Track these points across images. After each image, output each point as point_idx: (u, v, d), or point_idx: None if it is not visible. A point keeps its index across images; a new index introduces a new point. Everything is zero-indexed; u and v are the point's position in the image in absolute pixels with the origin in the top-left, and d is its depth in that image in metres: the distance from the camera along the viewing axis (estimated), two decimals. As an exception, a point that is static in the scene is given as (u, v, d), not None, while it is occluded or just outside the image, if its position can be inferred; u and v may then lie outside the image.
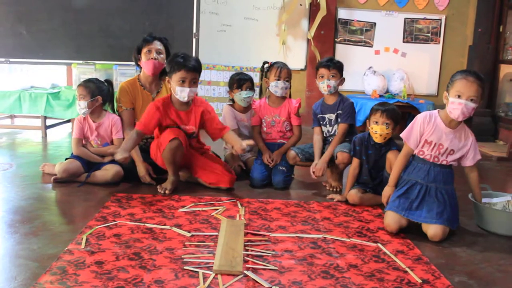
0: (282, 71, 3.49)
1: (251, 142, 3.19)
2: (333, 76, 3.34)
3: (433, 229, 2.51)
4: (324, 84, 3.35)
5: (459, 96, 2.47)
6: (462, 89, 2.46)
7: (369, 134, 3.06)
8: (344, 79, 3.43)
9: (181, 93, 3.13)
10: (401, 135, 2.74)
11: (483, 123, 5.73)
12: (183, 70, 3.09)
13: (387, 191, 2.73)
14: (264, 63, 3.64)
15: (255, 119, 3.63)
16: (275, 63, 3.57)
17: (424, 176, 2.62)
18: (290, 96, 3.69)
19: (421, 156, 2.65)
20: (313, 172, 3.31)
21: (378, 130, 2.98)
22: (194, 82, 3.15)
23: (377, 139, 3.00)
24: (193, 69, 3.12)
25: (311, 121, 3.62)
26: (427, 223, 2.54)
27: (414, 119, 2.69)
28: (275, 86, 3.50)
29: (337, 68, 3.37)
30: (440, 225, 2.50)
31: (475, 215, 2.83)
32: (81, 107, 3.37)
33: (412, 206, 2.59)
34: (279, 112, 3.56)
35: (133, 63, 3.62)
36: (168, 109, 3.22)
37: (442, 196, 2.59)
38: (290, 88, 3.65)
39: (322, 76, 3.37)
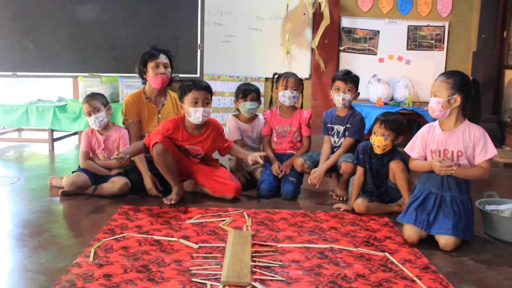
0: (289, 80, 3.50)
1: (263, 154, 3.30)
2: (349, 90, 3.33)
3: (445, 239, 2.50)
4: (340, 97, 3.34)
5: (431, 97, 2.60)
6: (431, 89, 2.61)
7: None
8: (359, 93, 3.42)
9: (195, 114, 3.15)
10: (405, 149, 2.75)
11: (489, 129, 5.61)
12: (193, 90, 3.13)
13: (436, 160, 2.56)
14: (274, 74, 3.65)
15: (266, 129, 3.64)
16: (284, 73, 3.59)
17: (438, 186, 2.59)
18: (301, 107, 3.69)
19: None
20: (310, 179, 3.32)
21: (376, 141, 2.99)
22: (206, 102, 3.18)
23: (376, 150, 3.01)
24: (204, 88, 3.16)
25: (318, 131, 3.63)
26: (442, 234, 2.52)
27: (418, 132, 2.70)
28: (283, 96, 3.51)
29: (354, 82, 3.35)
30: (454, 236, 2.49)
31: (483, 223, 2.82)
32: (99, 119, 3.39)
33: (429, 218, 2.57)
34: (290, 122, 3.57)
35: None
36: (178, 132, 3.24)
37: (458, 207, 2.56)
38: (302, 98, 3.65)
39: (338, 89, 3.35)
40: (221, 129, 3.40)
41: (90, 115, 3.39)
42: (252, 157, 3.25)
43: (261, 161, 3.24)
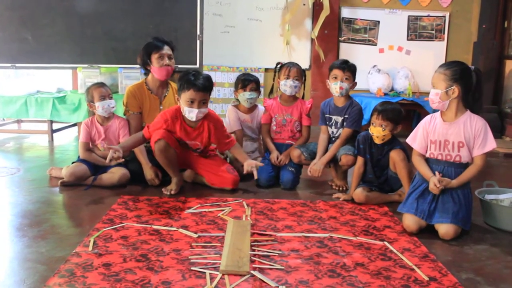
0: (291, 70, 3.49)
1: (260, 164, 3.27)
2: (346, 78, 3.32)
3: (445, 228, 2.50)
4: (337, 86, 3.32)
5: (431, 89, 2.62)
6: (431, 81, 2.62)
7: None
8: (356, 83, 3.40)
9: (189, 114, 3.12)
10: (407, 140, 2.74)
11: (489, 119, 5.60)
12: (192, 90, 3.06)
13: (434, 179, 2.54)
14: (277, 63, 3.64)
15: (265, 117, 3.62)
16: (286, 63, 3.57)
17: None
18: (303, 97, 3.68)
19: (433, 158, 2.64)
20: (309, 171, 3.33)
21: (374, 132, 2.99)
22: (203, 102, 3.12)
23: (375, 140, 3.00)
24: (202, 89, 3.08)
25: (317, 122, 3.62)
26: (442, 223, 2.52)
27: (419, 123, 2.70)
28: (284, 85, 3.50)
29: (351, 71, 3.34)
30: (454, 224, 2.49)
31: (482, 212, 2.82)
32: (111, 105, 3.45)
33: (430, 208, 2.57)
34: (291, 111, 3.56)
35: (137, 66, 3.62)
36: (177, 123, 3.20)
37: (458, 196, 2.55)
38: (304, 89, 3.64)
39: (336, 77, 3.33)
40: (220, 123, 3.32)
41: (104, 99, 3.40)
42: (248, 165, 3.21)
43: (255, 173, 3.20)
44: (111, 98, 3.45)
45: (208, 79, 3.16)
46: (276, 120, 3.59)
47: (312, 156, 3.40)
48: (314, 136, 3.62)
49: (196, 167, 3.38)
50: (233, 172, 3.36)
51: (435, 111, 2.70)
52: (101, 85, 3.48)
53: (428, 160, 2.67)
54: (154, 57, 3.45)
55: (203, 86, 3.08)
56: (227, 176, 3.29)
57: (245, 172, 3.26)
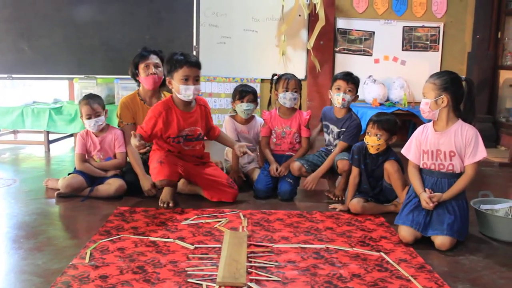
0: (290, 82, 3.49)
1: (249, 144, 3.33)
2: (349, 90, 3.34)
3: (440, 239, 2.51)
4: (340, 97, 3.34)
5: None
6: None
7: None
8: (358, 96, 3.43)
9: (186, 92, 3.09)
10: (401, 151, 2.76)
11: (484, 129, 5.73)
12: (185, 67, 3.06)
13: (424, 196, 2.57)
14: (273, 75, 3.64)
15: (265, 130, 3.63)
16: (283, 74, 3.58)
17: (433, 188, 2.60)
18: (300, 108, 3.70)
19: (426, 168, 2.66)
20: (304, 184, 3.38)
21: (369, 141, 3.00)
22: (197, 79, 3.12)
23: (370, 150, 3.02)
24: (195, 65, 3.10)
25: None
26: (438, 235, 2.53)
27: (413, 134, 2.72)
28: (283, 98, 3.51)
29: (355, 83, 3.37)
30: (450, 236, 2.50)
31: (478, 222, 2.83)
32: (99, 123, 3.41)
33: (425, 220, 2.57)
34: (290, 123, 3.57)
35: (134, 76, 3.62)
36: (171, 113, 3.16)
37: (453, 208, 2.56)
38: (300, 99, 3.66)
39: (339, 88, 3.35)
40: (209, 108, 3.39)
41: (90, 118, 3.38)
42: (240, 147, 3.26)
43: (250, 152, 3.26)
44: (98, 116, 3.40)
45: (197, 57, 3.20)
46: (275, 132, 3.60)
47: (313, 167, 3.41)
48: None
49: (196, 181, 3.34)
50: (233, 185, 3.33)
51: (429, 121, 2.72)
52: (89, 101, 3.40)
53: (421, 171, 2.69)
54: (141, 66, 3.46)
55: (195, 62, 3.11)
56: (228, 191, 3.27)
57: (239, 154, 3.30)
